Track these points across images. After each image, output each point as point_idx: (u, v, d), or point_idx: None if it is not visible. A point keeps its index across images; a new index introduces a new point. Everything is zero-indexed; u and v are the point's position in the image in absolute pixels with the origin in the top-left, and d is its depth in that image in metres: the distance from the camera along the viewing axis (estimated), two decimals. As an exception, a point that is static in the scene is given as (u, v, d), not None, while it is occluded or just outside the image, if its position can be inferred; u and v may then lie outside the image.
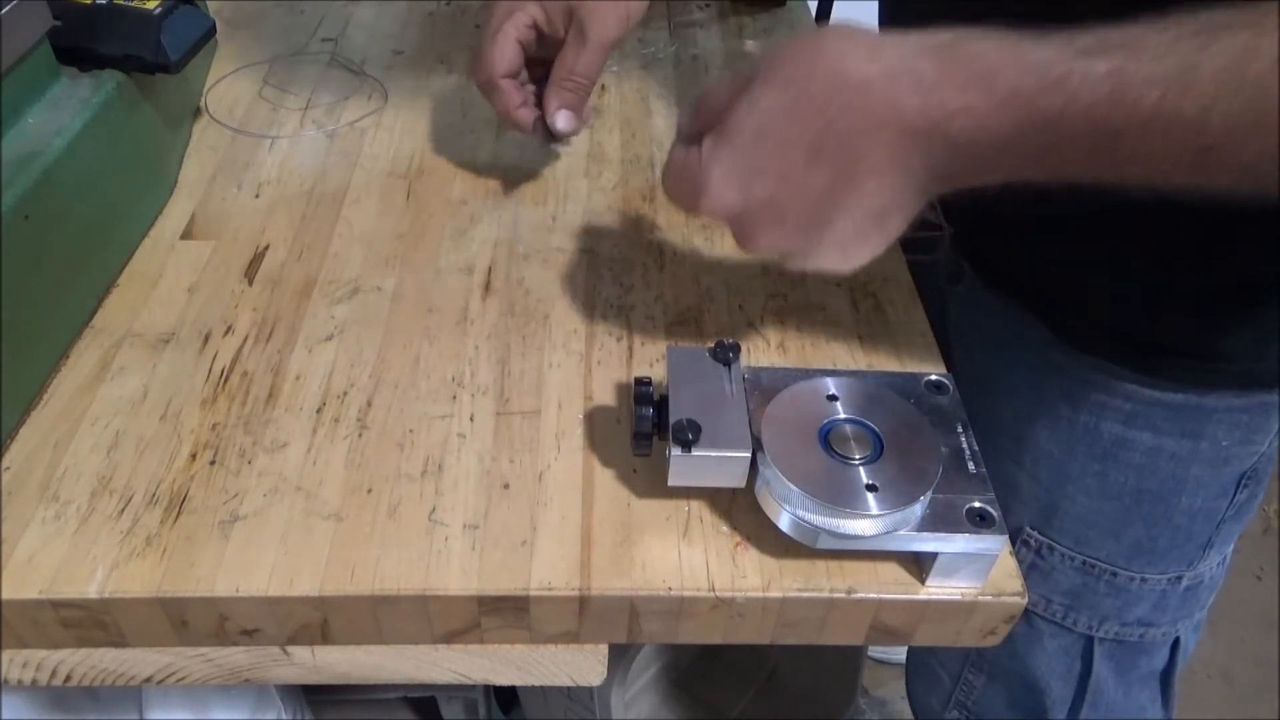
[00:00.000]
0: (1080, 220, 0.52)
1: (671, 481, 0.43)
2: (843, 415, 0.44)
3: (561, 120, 0.59)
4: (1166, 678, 0.68)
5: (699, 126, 0.44)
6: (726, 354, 0.46)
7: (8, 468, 0.47)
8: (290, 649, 0.46)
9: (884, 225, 0.42)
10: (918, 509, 0.41)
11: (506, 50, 0.58)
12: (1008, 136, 0.37)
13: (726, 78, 0.45)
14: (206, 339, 0.54)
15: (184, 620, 0.43)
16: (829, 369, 0.52)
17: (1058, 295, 0.57)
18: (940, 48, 0.38)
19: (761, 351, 0.54)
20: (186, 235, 0.61)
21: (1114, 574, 0.62)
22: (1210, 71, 0.34)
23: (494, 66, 0.59)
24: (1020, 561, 0.63)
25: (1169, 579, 0.62)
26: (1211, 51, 0.34)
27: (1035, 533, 0.63)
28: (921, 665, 0.77)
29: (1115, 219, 0.50)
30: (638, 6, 0.59)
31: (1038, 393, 0.60)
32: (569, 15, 0.58)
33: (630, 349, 0.54)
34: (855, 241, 0.42)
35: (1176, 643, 0.66)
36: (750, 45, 0.54)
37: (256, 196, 0.64)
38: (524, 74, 0.61)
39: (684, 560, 0.44)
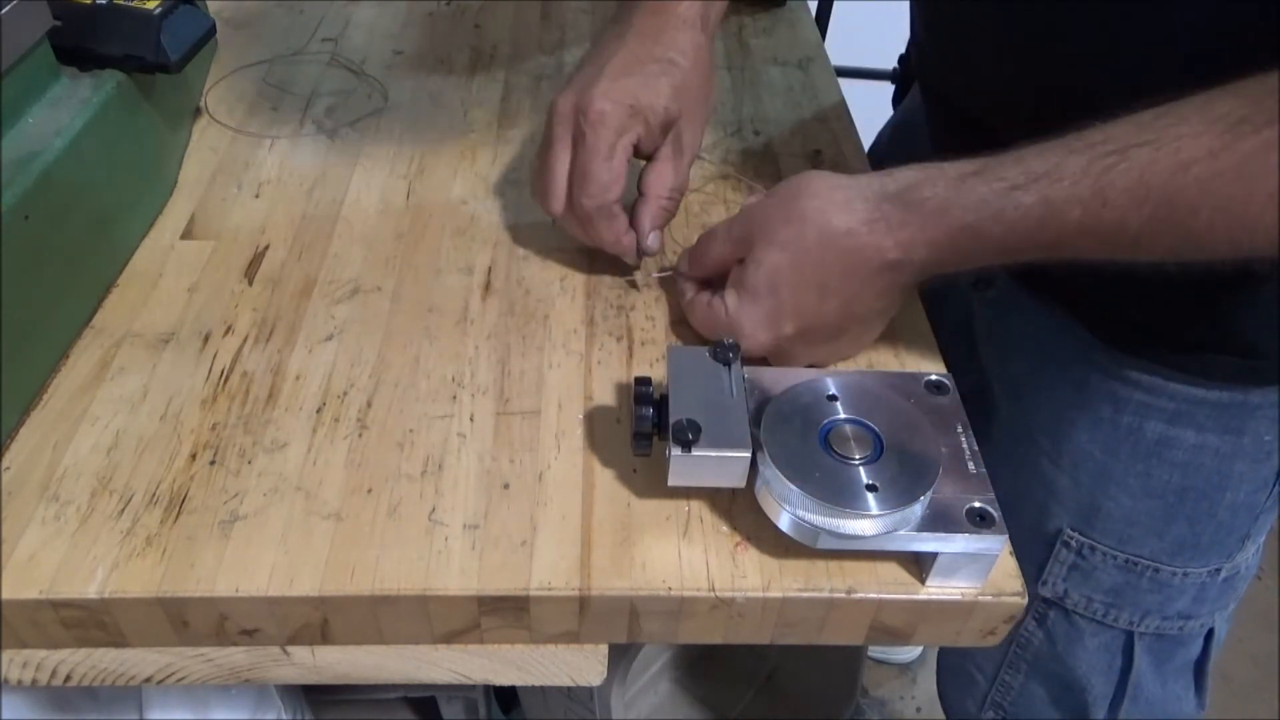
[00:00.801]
0: None
1: (671, 481, 0.43)
2: (843, 415, 0.44)
3: (654, 240, 0.56)
4: (1200, 667, 0.68)
5: (702, 272, 0.53)
6: (726, 354, 0.46)
7: (8, 468, 0.47)
8: (290, 649, 0.46)
9: (883, 318, 0.52)
10: (918, 509, 0.41)
11: (622, 174, 0.54)
12: (968, 254, 0.46)
13: (710, 231, 0.53)
14: (206, 339, 0.54)
15: (184, 620, 0.43)
16: (829, 369, 0.52)
17: (1101, 299, 0.57)
18: (900, 194, 0.46)
19: (761, 351, 0.54)
20: (186, 235, 0.61)
21: (1156, 570, 0.62)
22: (1120, 188, 0.40)
23: (610, 191, 0.53)
24: (1060, 562, 0.64)
25: (1209, 571, 0.63)
26: (1120, 170, 0.40)
27: (1076, 534, 0.63)
28: (955, 667, 0.77)
29: None
30: (714, 104, 0.58)
31: (1079, 394, 0.60)
32: (666, 128, 0.55)
33: (630, 349, 0.54)
34: (863, 337, 0.53)
35: (1210, 632, 0.67)
36: (751, 199, 0.55)
37: (256, 196, 0.64)
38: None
39: (684, 560, 0.44)
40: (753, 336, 0.49)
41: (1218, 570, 0.63)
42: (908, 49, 0.80)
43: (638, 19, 0.56)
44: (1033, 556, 0.65)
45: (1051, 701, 0.70)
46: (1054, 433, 0.63)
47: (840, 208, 0.47)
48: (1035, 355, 0.63)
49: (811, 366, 0.52)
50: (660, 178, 0.56)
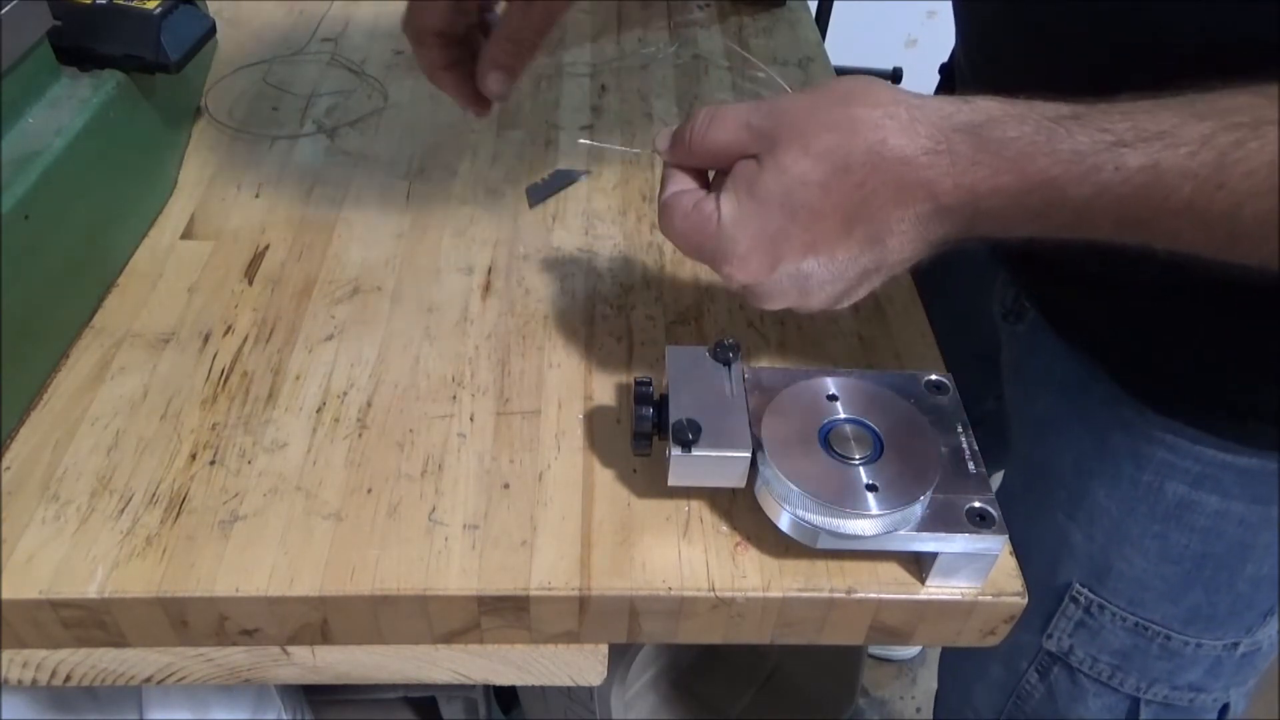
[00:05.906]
0: (1163, 285, 0.47)
1: (671, 481, 0.43)
2: (843, 415, 0.44)
3: (493, 82, 0.52)
4: None
5: (696, 159, 0.43)
6: (726, 354, 0.46)
7: (8, 468, 0.47)
8: (290, 649, 0.46)
9: (888, 276, 0.43)
10: (918, 509, 0.41)
11: (445, 6, 0.51)
12: (1035, 214, 0.38)
13: (724, 110, 0.42)
14: (206, 339, 0.54)
15: (184, 620, 0.43)
16: (829, 369, 0.52)
17: (1133, 353, 0.54)
18: (975, 127, 0.38)
19: (761, 351, 0.54)
20: (186, 235, 0.61)
21: (1168, 638, 0.59)
22: (1244, 170, 0.34)
23: (423, 16, 0.51)
24: (1067, 617, 0.61)
25: (1225, 645, 0.59)
26: (1248, 149, 0.34)
27: (1085, 590, 0.60)
28: (953, 712, 0.75)
29: (1199, 284, 0.44)
30: None
31: (1100, 446, 0.57)
32: None
33: (630, 349, 0.54)
34: (858, 292, 0.43)
35: (1225, 708, 0.63)
36: (763, 75, 0.48)
37: (256, 196, 0.64)
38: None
39: (684, 560, 0.44)
40: (744, 263, 0.40)
41: (1235, 645, 0.59)
42: (952, 58, 0.76)
43: None
44: (1041, 607, 0.62)
45: None
46: (1071, 484, 0.59)
47: (903, 127, 0.38)
48: (1059, 400, 0.60)
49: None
50: (507, 21, 0.51)
